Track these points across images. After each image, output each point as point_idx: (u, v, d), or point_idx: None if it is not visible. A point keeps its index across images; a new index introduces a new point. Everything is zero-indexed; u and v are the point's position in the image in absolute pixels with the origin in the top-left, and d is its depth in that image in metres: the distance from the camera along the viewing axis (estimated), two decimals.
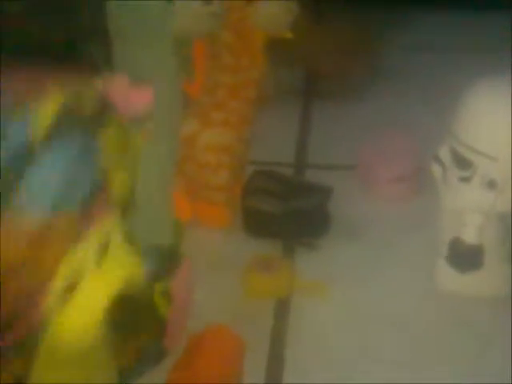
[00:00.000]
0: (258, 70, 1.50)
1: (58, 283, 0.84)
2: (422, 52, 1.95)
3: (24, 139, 0.80)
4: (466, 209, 1.19)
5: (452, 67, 1.81)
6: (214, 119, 1.39)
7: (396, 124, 1.63)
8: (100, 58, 1.00)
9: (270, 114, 1.63)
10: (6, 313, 0.81)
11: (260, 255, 1.32)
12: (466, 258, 1.23)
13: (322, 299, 1.25)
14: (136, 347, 1.05)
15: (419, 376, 1.12)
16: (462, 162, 1.17)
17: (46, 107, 0.80)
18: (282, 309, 1.25)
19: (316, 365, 1.15)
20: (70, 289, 0.86)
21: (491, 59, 1.54)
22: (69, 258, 0.84)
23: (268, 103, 1.60)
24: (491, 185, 1.15)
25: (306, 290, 1.27)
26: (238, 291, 1.26)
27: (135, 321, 0.96)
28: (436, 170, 1.22)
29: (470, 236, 1.21)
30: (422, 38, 2.01)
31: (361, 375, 1.13)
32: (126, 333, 0.95)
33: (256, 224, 1.38)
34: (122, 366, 1.02)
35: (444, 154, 1.20)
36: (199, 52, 1.40)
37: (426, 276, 1.28)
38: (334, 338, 1.19)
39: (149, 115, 1.20)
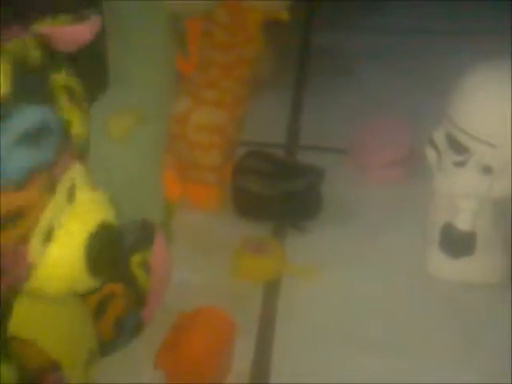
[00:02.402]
0: (253, 50, 1.47)
1: (37, 236, 0.84)
2: (417, 35, 1.93)
3: None
4: (460, 194, 1.18)
5: (448, 50, 1.80)
6: (207, 98, 1.37)
7: (390, 107, 1.62)
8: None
9: (261, 93, 1.61)
10: None
11: (250, 237, 1.30)
12: (458, 243, 1.22)
13: (312, 282, 1.24)
14: (115, 317, 1.04)
15: (407, 362, 1.11)
16: (458, 147, 1.15)
17: None
18: (271, 291, 1.24)
19: (304, 347, 1.14)
20: (49, 238, 0.85)
21: (488, 43, 1.53)
22: (45, 210, 0.83)
23: (261, 83, 1.58)
24: (486, 170, 1.14)
25: (296, 273, 1.26)
26: (227, 273, 1.25)
27: (112, 264, 0.94)
28: (430, 153, 1.21)
29: (463, 222, 1.20)
30: (418, 20, 2.00)
31: (349, 359, 1.12)
32: (104, 277, 0.93)
33: (246, 205, 1.37)
34: (101, 337, 1.01)
35: (439, 137, 1.19)
36: (193, 29, 1.38)
37: (418, 261, 1.27)
38: (323, 321, 1.18)
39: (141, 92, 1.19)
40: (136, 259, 1.08)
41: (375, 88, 1.72)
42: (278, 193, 1.35)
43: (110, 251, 0.91)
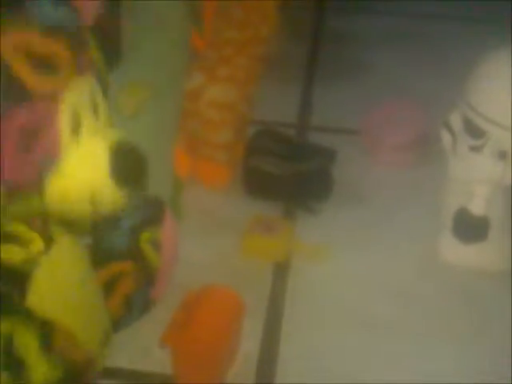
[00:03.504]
0: (267, 28, 1.46)
1: (64, 120, 0.87)
2: (432, 20, 1.92)
3: None
4: (475, 179, 1.17)
5: (462, 36, 1.79)
6: (220, 75, 1.35)
7: (403, 90, 1.61)
8: None
9: (273, 73, 1.60)
10: None
11: (260, 216, 1.29)
12: (471, 229, 1.21)
13: (322, 263, 1.24)
14: (124, 295, 1.04)
15: (415, 345, 1.11)
16: (474, 131, 1.14)
17: None
18: (281, 271, 1.23)
19: (313, 327, 1.13)
20: (75, 131, 0.88)
21: (503, 30, 1.51)
22: (69, 94, 0.87)
23: (273, 62, 1.57)
24: (502, 155, 1.13)
25: (305, 253, 1.25)
26: (237, 252, 1.24)
27: (135, 174, 0.97)
28: (446, 137, 1.19)
29: (477, 207, 1.19)
30: (432, 5, 1.98)
31: (357, 340, 1.11)
32: (129, 187, 0.95)
33: (257, 184, 1.36)
34: (110, 314, 1.01)
35: (455, 121, 1.18)
36: (209, 6, 1.36)
37: (428, 245, 1.26)
38: (332, 302, 1.18)
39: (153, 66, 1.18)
40: (145, 236, 1.07)
41: (388, 71, 1.71)
42: (289, 173, 1.34)
43: (131, 161, 0.93)
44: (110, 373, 1.02)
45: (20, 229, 0.90)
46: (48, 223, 0.94)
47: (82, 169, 0.89)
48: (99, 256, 0.99)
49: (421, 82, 1.64)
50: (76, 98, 0.88)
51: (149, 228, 1.08)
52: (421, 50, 1.79)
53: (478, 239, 1.21)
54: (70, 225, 0.95)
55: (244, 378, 1.06)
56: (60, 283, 0.90)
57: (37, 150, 0.86)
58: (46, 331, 0.87)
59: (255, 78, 1.42)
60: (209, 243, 1.24)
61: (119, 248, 1.03)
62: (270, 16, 1.48)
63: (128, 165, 0.93)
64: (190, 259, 1.16)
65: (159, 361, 1.04)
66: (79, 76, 0.89)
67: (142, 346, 1.07)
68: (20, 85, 0.84)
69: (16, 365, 0.84)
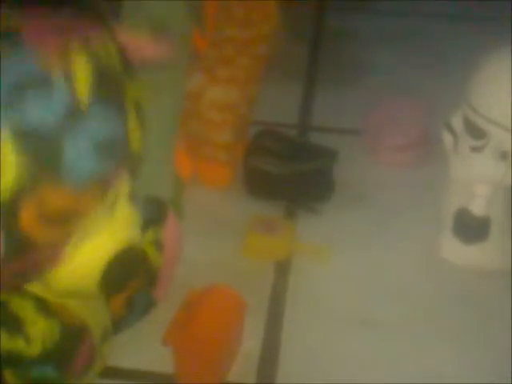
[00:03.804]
0: (269, 27, 1.46)
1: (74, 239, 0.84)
2: (433, 20, 1.92)
3: (68, 102, 0.75)
4: (476, 179, 1.17)
5: (463, 36, 1.79)
6: (221, 75, 1.35)
7: (404, 90, 1.61)
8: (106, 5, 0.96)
9: (274, 74, 1.60)
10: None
11: (261, 216, 1.29)
12: (472, 229, 1.21)
13: (323, 263, 1.24)
14: (127, 296, 1.03)
15: (414, 344, 1.11)
16: (476, 131, 1.14)
17: (80, 67, 0.75)
18: (282, 271, 1.23)
19: (314, 327, 1.13)
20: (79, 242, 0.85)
21: (504, 29, 1.51)
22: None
23: (275, 61, 1.56)
24: (503, 156, 1.13)
25: (306, 254, 1.25)
26: (238, 252, 1.24)
27: (128, 273, 0.95)
28: (447, 138, 1.20)
29: (478, 207, 1.19)
30: (433, 5, 1.98)
31: (358, 340, 1.12)
32: (118, 286, 0.93)
33: (258, 184, 1.36)
34: (111, 315, 1.00)
35: (456, 122, 1.18)
36: (211, 5, 1.36)
37: (429, 245, 1.26)
38: (333, 302, 1.18)
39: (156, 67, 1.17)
40: (148, 237, 1.06)
41: (389, 71, 1.71)
42: (290, 173, 1.34)
43: (124, 273, 0.91)
44: (111, 372, 1.02)
45: None
46: None
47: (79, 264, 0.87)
48: None
49: (422, 82, 1.64)
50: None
51: (151, 228, 1.08)
52: (422, 49, 1.79)
53: (479, 239, 1.21)
54: None
55: (245, 377, 1.06)
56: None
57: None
58: (39, 300, 0.86)
59: (256, 78, 1.42)
60: (210, 243, 1.24)
61: None
62: (272, 15, 1.47)
63: (120, 275, 0.91)
64: (190, 259, 1.16)
65: (160, 360, 1.05)
66: None
67: (143, 345, 1.07)
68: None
69: (13, 321, 0.84)
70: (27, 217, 0.74)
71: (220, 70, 1.36)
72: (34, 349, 0.84)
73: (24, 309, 0.85)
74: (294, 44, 1.71)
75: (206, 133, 1.34)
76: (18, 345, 0.83)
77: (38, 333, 0.84)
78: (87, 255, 0.85)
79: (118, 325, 1.03)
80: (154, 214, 1.09)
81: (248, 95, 1.39)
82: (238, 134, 1.37)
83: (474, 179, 1.17)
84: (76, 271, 0.86)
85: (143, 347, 1.07)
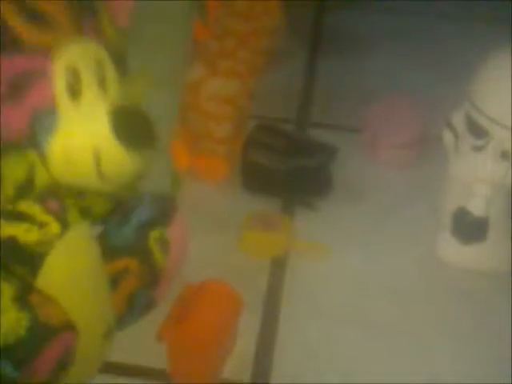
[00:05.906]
0: (271, 20, 1.44)
1: (57, 74, 0.85)
2: (432, 18, 1.92)
3: None
4: (476, 179, 1.16)
5: (462, 35, 1.79)
6: (221, 67, 1.34)
7: (403, 89, 1.60)
8: None
9: (274, 68, 1.59)
10: None
11: (258, 212, 1.28)
12: (471, 229, 1.20)
13: (319, 260, 1.23)
14: (127, 293, 1.02)
15: (413, 345, 1.10)
16: (477, 131, 1.13)
17: None
18: (278, 267, 1.22)
19: (310, 324, 1.13)
20: (73, 89, 0.85)
21: (503, 29, 1.51)
22: (66, 50, 0.85)
23: (276, 55, 1.55)
24: (505, 156, 1.12)
25: (303, 250, 1.24)
26: (234, 247, 1.23)
27: (141, 135, 0.92)
28: (448, 137, 1.19)
29: (477, 207, 1.18)
30: (432, 4, 1.97)
31: (354, 338, 1.11)
32: (132, 145, 0.91)
33: (256, 179, 1.35)
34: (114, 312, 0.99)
35: (458, 121, 1.17)
36: None
37: (427, 244, 1.25)
38: (329, 299, 1.17)
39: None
40: (154, 234, 1.05)
41: (389, 69, 1.70)
42: (288, 168, 1.32)
43: (135, 122, 0.90)
44: (106, 367, 1.00)
45: (35, 210, 0.89)
46: (63, 206, 0.93)
47: (83, 128, 0.87)
48: (106, 249, 0.98)
49: (421, 81, 1.64)
50: (75, 55, 0.85)
51: (159, 227, 1.06)
52: (421, 48, 1.78)
53: (478, 240, 1.20)
54: (80, 193, 0.94)
55: (240, 374, 1.05)
56: (72, 269, 0.89)
57: (26, 102, 0.84)
58: (25, 287, 0.85)
59: (257, 71, 1.41)
60: (206, 238, 1.23)
61: (126, 243, 1.02)
62: (274, 9, 1.46)
63: (132, 126, 0.89)
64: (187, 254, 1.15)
65: (155, 356, 1.03)
66: (82, 37, 0.87)
67: (138, 340, 1.05)
68: (12, 35, 0.82)
69: None
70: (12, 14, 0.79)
71: (220, 62, 1.35)
72: None
73: (1, 295, 0.83)
74: (294, 39, 1.70)
75: (205, 125, 1.33)
76: None
77: (7, 322, 0.82)
78: (87, 115, 0.86)
79: (117, 322, 1.02)
80: (162, 212, 1.07)
81: (247, 88, 1.38)
82: (237, 127, 1.36)
83: (474, 178, 1.16)
84: (83, 133, 0.87)
85: (138, 342, 1.06)
